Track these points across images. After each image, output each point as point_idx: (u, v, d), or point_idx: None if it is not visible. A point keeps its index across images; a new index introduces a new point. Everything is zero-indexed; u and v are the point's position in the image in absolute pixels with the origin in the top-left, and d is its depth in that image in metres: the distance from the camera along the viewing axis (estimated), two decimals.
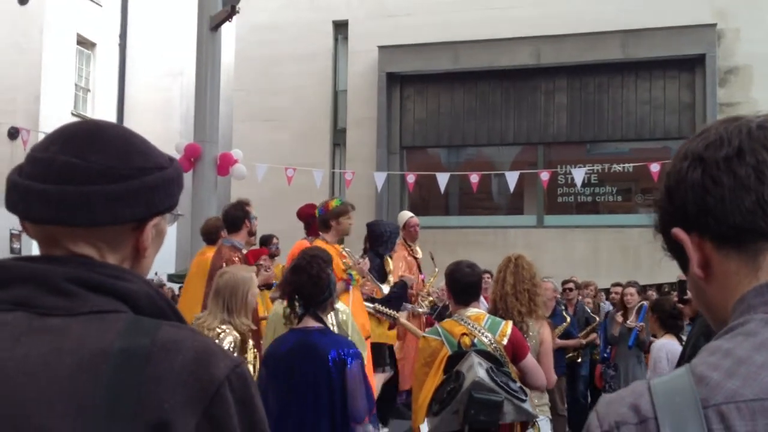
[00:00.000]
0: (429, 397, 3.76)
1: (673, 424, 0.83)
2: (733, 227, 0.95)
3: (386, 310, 5.67)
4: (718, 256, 0.98)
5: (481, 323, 4.02)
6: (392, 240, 7.29)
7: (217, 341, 4.09)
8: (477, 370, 3.48)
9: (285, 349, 3.70)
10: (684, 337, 5.51)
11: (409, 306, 7.56)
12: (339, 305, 4.64)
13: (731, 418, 0.81)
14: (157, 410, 1.00)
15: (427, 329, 4.39)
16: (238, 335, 4.17)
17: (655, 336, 5.86)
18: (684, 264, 1.02)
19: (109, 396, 1.00)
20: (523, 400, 3.55)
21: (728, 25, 15.26)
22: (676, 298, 5.55)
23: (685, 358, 4.31)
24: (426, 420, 3.78)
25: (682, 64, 15.53)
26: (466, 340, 3.88)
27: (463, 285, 4.14)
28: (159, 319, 1.10)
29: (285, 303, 3.89)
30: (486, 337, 3.94)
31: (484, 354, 3.74)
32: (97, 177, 1.12)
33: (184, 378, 1.03)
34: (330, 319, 4.22)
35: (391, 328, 6.48)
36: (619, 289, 9.87)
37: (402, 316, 6.83)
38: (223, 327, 4.15)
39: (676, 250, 1.03)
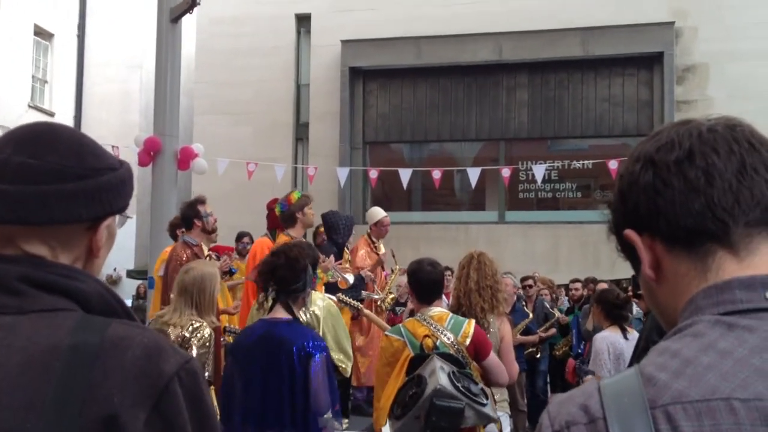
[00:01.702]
0: (391, 398, 3.75)
1: (621, 424, 0.84)
2: (683, 229, 0.96)
3: (351, 300, 5.65)
4: (669, 258, 0.99)
5: (443, 324, 4.00)
6: (348, 229, 7.29)
7: (190, 335, 4.06)
8: (439, 376, 3.49)
9: (252, 339, 3.69)
10: (628, 328, 5.59)
11: (364, 293, 7.56)
12: (319, 301, 4.58)
13: (678, 418, 0.82)
14: (106, 405, 1.02)
15: (390, 328, 4.35)
16: (210, 332, 4.14)
17: (601, 327, 5.91)
18: (636, 265, 1.03)
19: (59, 391, 1.02)
20: (484, 404, 3.57)
21: (686, 24, 15.51)
22: (630, 293, 5.59)
23: (638, 353, 4.37)
24: (388, 422, 3.77)
25: (641, 61, 15.76)
26: (429, 342, 3.87)
27: (426, 284, 4.12)
28: (109, 317, 1.12)
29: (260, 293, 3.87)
30: (448, 338, 3.94)
31: (447, 356, 3.74)
32: (53, 177, 1.13)
33: (134, 373, 1.05)
34: (302, 316, 4.19)
35: (354, 318, 6.47)
36: (578, 285, 9.99)
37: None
38: (197, 324, 4.11)
39: (628, 250, 1.04)
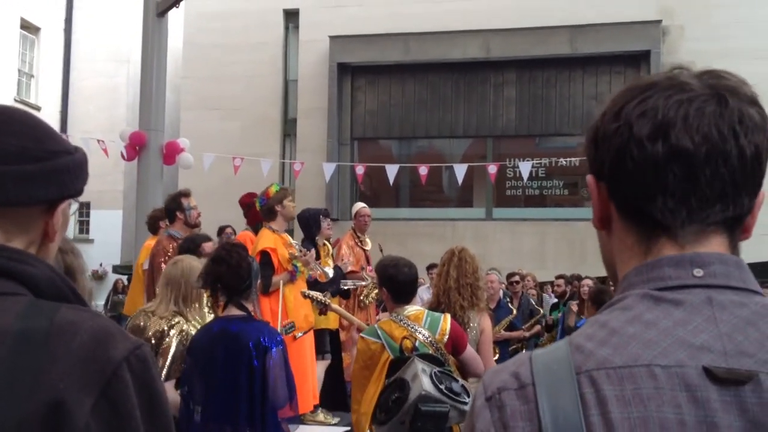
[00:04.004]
0: (373, 403, 3.73)
1: (548, 388, 0.88)
2: (636, 211, 0.97)
3: (317, 296, 5.61)
4: (620, 223, 1.00)
5: (420, 323, 3.97)
6: (316, 221, 7.26)
7: (168, 328, 4.05)
8: (422, 380, 3.47)
9: (208, 338, 3.72)
10: None
11: (350, 282, 7.55)
12: None
13: (600, 382, 0.86)
14: (53, 390, 1.01)
15: (365, 329, 4.30)
16: (190, 329, 4.12)
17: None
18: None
19: (7, 376, 1.01)
20: (465, 402, 3.58)
21: (673, 22, 15.58)
22: (613, 288, 5.62)
23: None
24: (373, 428, 3.76)
25: (628, 59, 15.81)
26: (408, 343, 3.83)
27: (405, 284, 4.08)
28: (59, 302, 1.11)
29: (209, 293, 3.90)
30: (427, 337, 3.92)
31: (427, 357, 3.72)
32: (12, 158, 1.12)
33: (81, 358, 1.04)
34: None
35: (321, 313, 6.44)
36: (561, 282, 10.02)
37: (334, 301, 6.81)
38: (176, 320, 4.10)
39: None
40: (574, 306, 8.53)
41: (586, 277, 9.11)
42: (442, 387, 3.52)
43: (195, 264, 4.29)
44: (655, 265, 0.95)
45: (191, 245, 5.37)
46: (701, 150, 0.92)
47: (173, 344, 4.04)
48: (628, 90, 1.00)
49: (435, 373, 3.58)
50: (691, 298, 0.91)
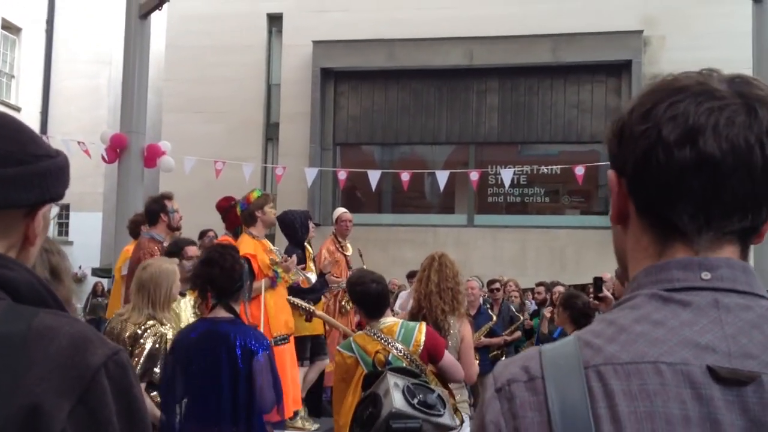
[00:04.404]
0: (350, 415, 3.73)
1: (557, 381, 0.91)
2: (656, 215, 0.98)
3: (302, 303, 5.59)
4: (637, 221, 1.01)
5: (394, 335, 3.97)
6: (304, 225, 7.22)
7: (142, 332, 4.03)
8: (393, 396, 3.47)
9: (192, 337, 3.70)
10: None
11: (335, 283, 7.52)
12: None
13: (608, 377, 0.89)
14: (30, 394, 1.01)
15: (341, 343, 4.31)
16: (165, 331, 4.10)
17: (566, 332, 5.91)
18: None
19: None
20: (441, 414, 3.57)
21: (654, 33, 15.72)
22: (591, 295, 5.60)
23: None
24: None
25: (610, 69, 15.95)
26: (381, 357, 3.85)
27: (373, 299, 4.07)
28: (38, 307, 1.11)
29: (196, 294, 3.88)
30: (400, 350, 3.91)
31: (400, 370, 3.72)
32: None
33: (59, 364, 1.04)
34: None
35: (307, 320, 6.43)
36: (541, 289, 10.06)
37: (318, 308, 6.79)
38: (150, 323, 4.08)
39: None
40: (548, 312, 8.56)
41: (569, 285, 9.14)
42: (415, 402, 3.52)
43: (166, 266, 4.27)
44: (663, 267, 0.97)
45: (174, 248, 5.34)
46: (728, 159, 0.92)
47: (146, 348, 4.01)
48: (658, 91, 0.99)
49: (408, 387, 3.57)
50: (698, 299, 0.93)
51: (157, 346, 4.02)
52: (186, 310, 4.88)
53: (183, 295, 4.94)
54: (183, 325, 4.47)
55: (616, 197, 1.02)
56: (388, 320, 4.10)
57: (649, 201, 0.98)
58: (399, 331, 4.00)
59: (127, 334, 4.03)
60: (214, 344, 3.60)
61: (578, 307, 5.67)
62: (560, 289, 8.73)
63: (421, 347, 3.96)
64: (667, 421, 0.85)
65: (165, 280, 4.14)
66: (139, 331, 4.04)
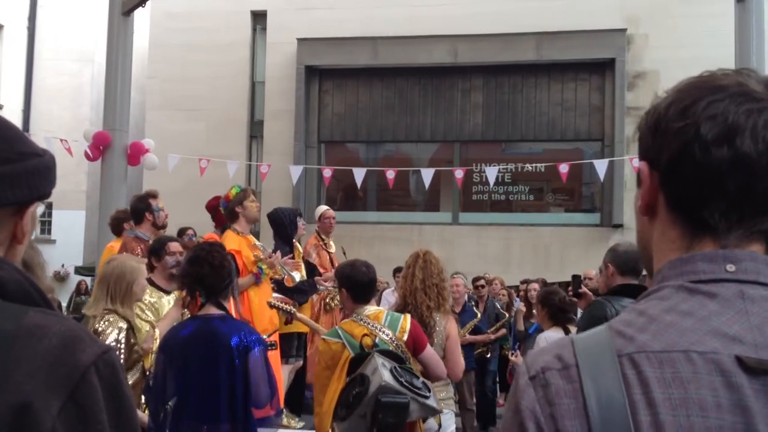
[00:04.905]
0: (334, 401, 3.74)
1: (591, 369, 0.93)
2: (688, 211, 1.00)
3: (282, 305, 5.60)
4: (666, 213, 1.03)
5: (380, 321, 4.02)
6: (294, 223, 7.24)
7: (101, 330, 4.00)
8: (382, 372, 3.51)
9: (183, 335, 3.69)
10: (571, 328, 5.60)
11: (322, 287, 7.53)
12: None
13: (642, 364, 0.91)
14: (19, 393, 1.01)
15: (326, 332, 4.33)
16: (124, 324, 4.08)
17: (542, 329, 5.93)
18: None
19: None
20: (427, 397, 3.60)
21: (638, 31, 15.81)
22: (570, 292, 5.62)
23: None
24: (334, 425, 3.77)
25: (593, 67, 16.02)
26: (368, 340, 3.87)
27: (364, 284, 4.12)
28: (27, 306, 1.11)
29: (185, 293, 3.87)
30: (387, 335, 3.95)
31: (387, 353, 3.75)
32: None
33: (49, 362, 1.04)
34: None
35: (287, 323, 6.44)
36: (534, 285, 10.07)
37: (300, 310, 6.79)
38: (109, 317, 4.05)
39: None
40: (522, 308, 8.58)
41: (534, 281, 9.17)
42: (402, 380, 3.55)
43: (130, 263, 4.27)
44: (689, 260, 1.00)
45: (157, 245, 5.32)
46: (763, 161, 0.94)
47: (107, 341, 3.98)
48: (696, 88, 1.01)
49: (395, 367, 3.62)
50: (724, 291, 0.96)
51: (116, 344, 3.99)
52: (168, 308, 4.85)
53: (167, 293, 4.93)
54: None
55: (646, 189, 1.04)
56: (374, 308, 4.15)
57: (681, 196, 1.00)
58: (385, 317, 4.06)
59: (91, 327, 4.01)
60: (207, 341, 3.59)
61: (555, 303, 5.70)
62: (535, 286, 8.75)
63: (407, 334, 3.99)
64: (701, 407, 0.88)
65: (128, 275, 4.13)
66: (99, 327, 4.02)
